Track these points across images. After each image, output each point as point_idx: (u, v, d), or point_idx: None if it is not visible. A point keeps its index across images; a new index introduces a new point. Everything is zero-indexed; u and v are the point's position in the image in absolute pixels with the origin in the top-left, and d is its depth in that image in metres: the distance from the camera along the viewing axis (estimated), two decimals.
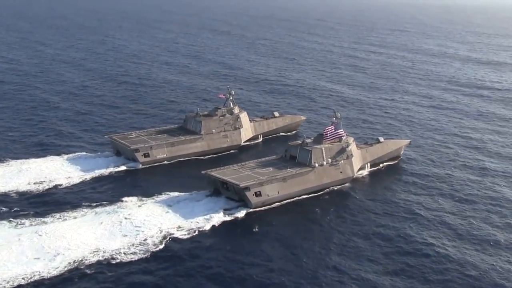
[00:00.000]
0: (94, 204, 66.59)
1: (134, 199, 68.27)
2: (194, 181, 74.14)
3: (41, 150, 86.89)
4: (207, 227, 62.08)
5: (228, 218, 64.63)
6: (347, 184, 76.83)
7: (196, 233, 60.55)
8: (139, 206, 66.04)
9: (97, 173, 77.72)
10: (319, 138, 78.60)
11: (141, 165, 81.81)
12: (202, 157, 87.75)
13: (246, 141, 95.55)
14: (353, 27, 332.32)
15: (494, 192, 75.86)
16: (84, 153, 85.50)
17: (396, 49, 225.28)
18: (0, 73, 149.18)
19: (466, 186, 77.90)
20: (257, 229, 62.51)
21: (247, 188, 66.67)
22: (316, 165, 73.98)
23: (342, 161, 76.70)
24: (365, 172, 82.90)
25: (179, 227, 61.72)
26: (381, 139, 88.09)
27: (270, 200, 68.78)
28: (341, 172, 76.47)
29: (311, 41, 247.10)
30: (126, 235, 58.87)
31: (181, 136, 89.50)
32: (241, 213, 65.93)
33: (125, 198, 68.08)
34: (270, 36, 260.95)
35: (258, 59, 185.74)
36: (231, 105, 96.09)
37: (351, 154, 78.06)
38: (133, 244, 57.40)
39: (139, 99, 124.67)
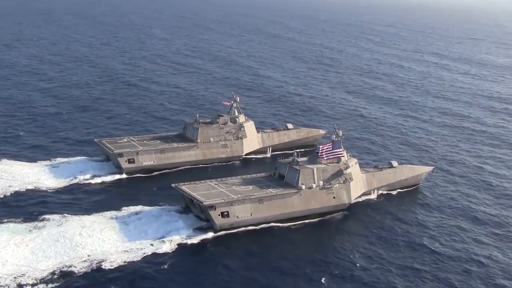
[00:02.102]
0: (6, 220, 60.28)
1: (56, 216, 61.50)
2: (169, 194, 69.65)
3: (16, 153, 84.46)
4: (116, 261, 53.65)
5: (155, 248, 56.21)
6: (338, 213, 69.53)
7: (96, 266, 52.43)
8: (59, 225, 59.18)
9: (59, 182, 73.48)
10: (314, 157, 72.52)
11: (123, 172, 78.84)
12: (196, 167, 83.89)
13: (251, 153, 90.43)
14: (421, 34, 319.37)
15: (480, 248, 62.81)
16: (68, 158, 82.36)
17: (458, 60, 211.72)
18: (16, 68, 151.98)
19: (454, 236, 65.53)
20: (166, 266, 54.34)
21: (212, 207, 60.91)
22: (303, 187, 67.25)
23: (337, 185, 69.62)
24: (372, 196, 75.65)
25: (86, 259, 53.12)
26: (395, 163, 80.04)
27: (240, 222, 62.61)
28: (334, 197, 69.19)
29: (364, 48, 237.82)
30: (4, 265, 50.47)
31: (174, 143, 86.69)
32: (171, 245, 57.44)
33: (48, 216, 61.55)
34: (323, 41, 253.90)
35: (292, 66, 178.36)
36: (236, 113, 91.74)
37: (350, 178, 70.88)
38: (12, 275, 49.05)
39: (144, 103, 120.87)
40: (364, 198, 74.87)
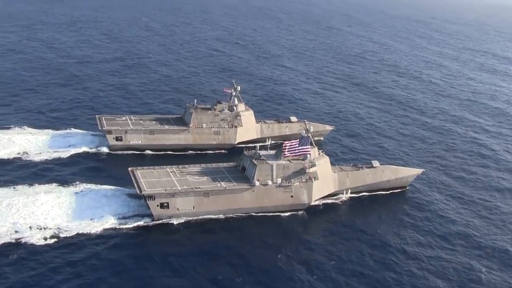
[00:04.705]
0: None
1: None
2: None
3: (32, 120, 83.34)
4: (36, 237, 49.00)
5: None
6: (298, 212, 60.80)
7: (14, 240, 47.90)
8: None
9: (42, 151, 70.92)
10: (279, 152, 63.93)
11: (110, 149, 74.37)
12: (184, 152, 77.65)
13: (248, 142, 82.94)
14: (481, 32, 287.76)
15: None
16: (73, 130, 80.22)
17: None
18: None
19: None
20: (84, 249, 48.35)
21: (151, 197, 54.81)
22: (257, 183, 59.43)
23: (297, 183, 60.82)
24: (343, 197, 65.83)
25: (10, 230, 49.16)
26: (376, 163, 69.69)
27: (181, 215, 55.96)
28: (292, 196, 60.73)
29: (410, 44, 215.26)
30: None
31: (167, 125, 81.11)
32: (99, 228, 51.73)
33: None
34: (379, 37, 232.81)
35: (324, 59, 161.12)
36: (236, 101, 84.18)
37: (314, 177, 61.70)
38: None
39: (161, 84, 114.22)
40: (333, 198, 65.38)
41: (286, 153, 61.61)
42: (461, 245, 57.70)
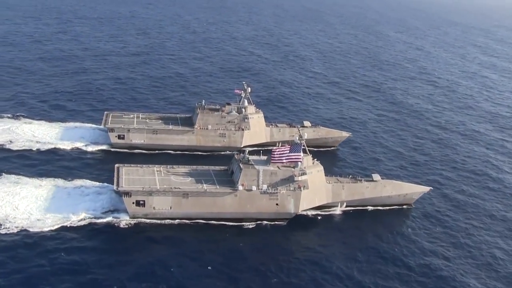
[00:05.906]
0: None
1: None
2: None
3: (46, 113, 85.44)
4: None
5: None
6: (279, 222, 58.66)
7: None
8: None
9: (45, 143, 72.15)
10: (269, 158, 62.14)
11: (112, 147, 75.09)
12: (188, 152, 77.40)
13: (257, 145, 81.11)
14: None
15: None
16: (70, 123, 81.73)
17: None
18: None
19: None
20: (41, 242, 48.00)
21: (127, 194, 54.71)
22: (240, 188, 58.27)
23: (284, 191, 59.12)
24: (337, 210, 63.00)
25: None
26: (376, 177, 66.60)
27: (157, 214, 55.69)
28: (277, 204, 59.01)
29: (458, 54, 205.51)
30: None
31: (172, 125, 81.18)
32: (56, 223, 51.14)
33: None
34: (424, 44, 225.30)
35: (358, 65, 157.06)
36: (245, 103, 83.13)
37: (304, 186, 59.72)
38: None
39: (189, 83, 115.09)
40: (325, 211, 62.75)
41: (276, 160, 59.82)
42: (423, 274, 51.75)
